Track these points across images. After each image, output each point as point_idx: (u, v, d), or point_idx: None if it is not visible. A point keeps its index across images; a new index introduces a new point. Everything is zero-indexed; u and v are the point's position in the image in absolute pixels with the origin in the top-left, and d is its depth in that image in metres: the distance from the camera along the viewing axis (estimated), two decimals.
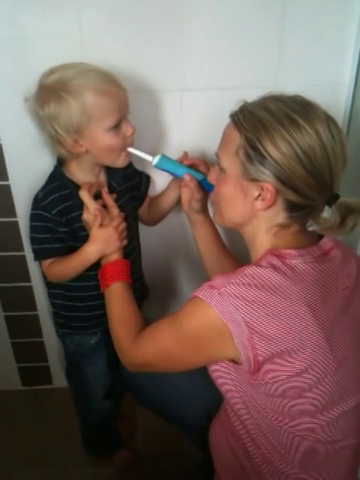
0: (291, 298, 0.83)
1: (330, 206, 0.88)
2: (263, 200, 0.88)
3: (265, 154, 0.83)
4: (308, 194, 0.85)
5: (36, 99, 1.07)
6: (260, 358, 0.83)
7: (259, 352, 0.82)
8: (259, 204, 0.89)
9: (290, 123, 0.83)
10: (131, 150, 1.14)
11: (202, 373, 0.99)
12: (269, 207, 0.89)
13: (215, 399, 1.08)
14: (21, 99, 1.15)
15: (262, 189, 0.87)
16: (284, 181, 0.84)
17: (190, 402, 1.18)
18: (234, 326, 0.82)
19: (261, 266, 0.86)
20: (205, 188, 1.16)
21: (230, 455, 1.04)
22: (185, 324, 0.89)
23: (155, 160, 1.17)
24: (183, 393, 1.19)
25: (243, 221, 0.95)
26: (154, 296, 1.48)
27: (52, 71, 1.05)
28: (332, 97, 1.27)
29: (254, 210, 0.91)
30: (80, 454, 1.54)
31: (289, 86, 1.23)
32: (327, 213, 0.91)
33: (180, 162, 1.22)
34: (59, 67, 1.05)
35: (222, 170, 0.94)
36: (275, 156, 0.82)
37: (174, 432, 1.27)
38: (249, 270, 0.86)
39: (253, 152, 0.85)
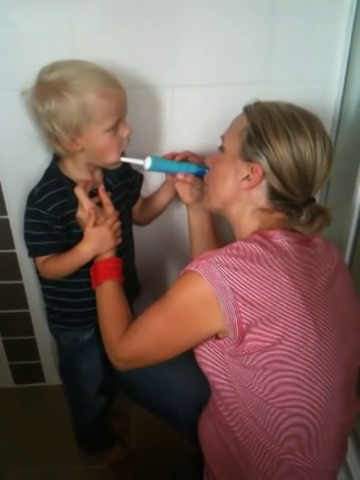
0: (274, 268, 0.89)
1: (305, 207, 0.97)
2: (249, 180, 0.96)
3: (264, 139, 0.93)
4: (290, 185, 0.94)
5: (35, 94, 1.06)
6: (244, 325, 0.86)
7: (243, 317, 0.86)
8: (245, 183, 0.97)
9: (293, 121, 0.93)
10: (123, 159, 1.14)
11: (193, 368, 1.03)
12: (252, 187, 0.97)
13: (206, 393, 1.09)
14: (12, 97, 1.15)
15: (252, 170, 0.95)
16: (273, 166, 0.93)
17: (182, 397, 1.19)
18: (220, 291, 0.87)
19: (247, 241, 0.93)
20: (201, 176, 1.18)
21: (218, 444, 1.06)
22: (173, 299, 0.94)
23: (147, 164, 1.16)
24: (175, 389, 1.19)
25: (228, 200, 1.02)
26: (146, 294, 1.48)
27: (53, 68, 1.04)
28: (323, 93, 1.28)
29: (239, 189, 0.99)
30: (74, 451, 1.54)
31: (280, 82, 1.25)
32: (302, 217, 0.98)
33: (171, 159, 1.24)
34: (60, 64, 1.04)
35: (222, 150, 1.03)
36: (272, 142, 0.92)
37: (167, 428, 1.28)
38: (236, 244, 0.93)
39: (255, 135, 0.94)
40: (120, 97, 1.07)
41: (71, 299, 1.27)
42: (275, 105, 0.96)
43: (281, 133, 0.92)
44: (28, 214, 1.16)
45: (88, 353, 1.34)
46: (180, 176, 1.20)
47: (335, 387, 0.93)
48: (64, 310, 1.30)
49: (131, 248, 1.37)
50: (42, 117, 1.06)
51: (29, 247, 1.19)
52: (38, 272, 1.25)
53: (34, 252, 1.19)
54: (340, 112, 1.30)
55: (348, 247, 1.31)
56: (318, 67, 1.26)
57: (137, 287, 1.44)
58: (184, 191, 1.23)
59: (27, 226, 1.16)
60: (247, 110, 0.99)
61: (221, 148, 1.04)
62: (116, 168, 1.17)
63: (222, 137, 1.04)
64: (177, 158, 1.24)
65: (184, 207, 1.30)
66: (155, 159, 1.17)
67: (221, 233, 1.34)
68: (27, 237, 1.18)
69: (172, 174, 1.24)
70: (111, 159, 1.12)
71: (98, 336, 1.12)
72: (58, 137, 1.07)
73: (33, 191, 1.16)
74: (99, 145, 1.08)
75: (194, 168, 1.20)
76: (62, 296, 1.28)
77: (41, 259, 1.18)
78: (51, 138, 1.09)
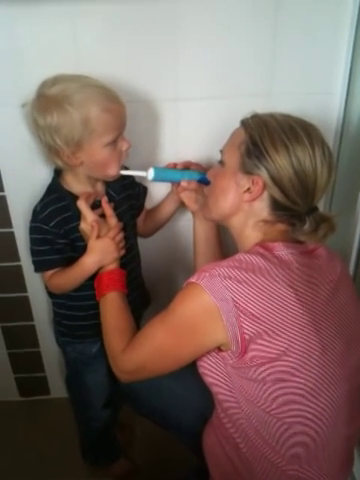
0: (276, 281, 0.89)
1: (308, 216, 0.97)
2: (251, 193, 0.97)
3: (263, 150, 0.93)
4: (291, 195, 0.94)
5: (36, 107, 1.07)
6: (246, 336, 0.86)
7: (245, 329, 0.86)
8: (246, 196, 0.98)
9: (290, 131, 0.93)
10: (124, 172, 1.16)
11: (197, 380, 1.03)
12: (254, 200, 0.97)
13: (210, 405, 1.09)
14: (16, 111, 1.16)
15: (252, 183, 0.96)
16: (274, 177, 0.93)
17: (186, 409, 1.19)
18: (222, 304, 0.86)
19: (250, 253, 0.93)
20: (206, 182, 1.18)
21: (223, 457, 1.05)
22: (175, 311, 0.94)
23: (150, 175, 1.18)
24: (179, 400, 1.19)
25: (230, 212, 1.02)
26: (156, 304, 1.48)
27: (55, 81, 1.05)
28: (325, 106, 1.29)
29: (241, 202, 0.99)
30: (78, 464, 1.54)
31: (282, 95, 1.26)
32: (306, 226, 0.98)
33: (173, 168, 1.25)
34: (62, 78, 1.05)
35: (222, 163, 1.03)
36: (271, 154, 0.92)
37: (171, 440, 1.27)
38: (238, 256, 0.93)
39: (253, 147, 0.94)
40: (121, 112, 1.08)
41: (81, 312, 1.27)
42: (272, 116, 0.96)
43: (279, 144, 0.92)
44: (32, 230, 1.17)
45: (95, 366, 1.33)
46: (184, 183, 1.21)
47: (339, 399, 0.92)
48: (74, 323, 1.30)
49: (137, 259, 1.37)
50: (43, 130, 1.07)
51: (35, 263, 1.19)
52: (47, 287, 1.26)
53: (40, 267, 1.20)
54: (342, 124, 1.31)
55: (352, 256, 1.30)
56: (320, 79, 1.27)
57: (146, 297, 1.45)
58: (189, 199, 1.25)
59: (32, 242, 1.18)
60: (244, 123, 0.99)
61: (221, 162, 1.04)
62: (116, 179, 1.18)
63: (221, 151, 1.05)
64: (178, 166, 1.25)
65: (189, 217, 1.31)
66: (157, 169, 1.19)
67: (227, 243, 1.34)
68: (32, 253, 1.19)
69: (176, 183, 1.25)
70: (111, 172, 1.14)
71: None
72: (59, 150, 1.08)
73: (36, 207, 1.17)
74: (99, 159, 1.10)
75: (197, 175, 1.22)
76: (72, 310, 1.28)
77: (48, 274, 1.19)
78: (51, 151, 1.10)
